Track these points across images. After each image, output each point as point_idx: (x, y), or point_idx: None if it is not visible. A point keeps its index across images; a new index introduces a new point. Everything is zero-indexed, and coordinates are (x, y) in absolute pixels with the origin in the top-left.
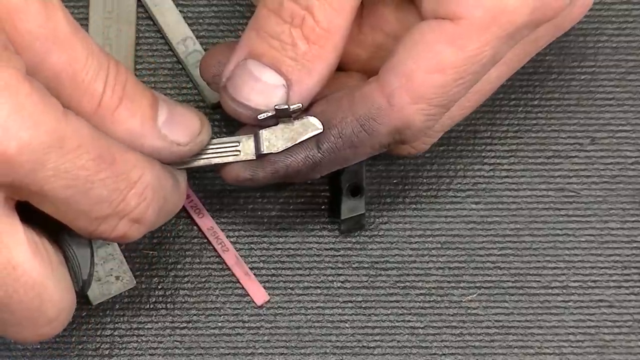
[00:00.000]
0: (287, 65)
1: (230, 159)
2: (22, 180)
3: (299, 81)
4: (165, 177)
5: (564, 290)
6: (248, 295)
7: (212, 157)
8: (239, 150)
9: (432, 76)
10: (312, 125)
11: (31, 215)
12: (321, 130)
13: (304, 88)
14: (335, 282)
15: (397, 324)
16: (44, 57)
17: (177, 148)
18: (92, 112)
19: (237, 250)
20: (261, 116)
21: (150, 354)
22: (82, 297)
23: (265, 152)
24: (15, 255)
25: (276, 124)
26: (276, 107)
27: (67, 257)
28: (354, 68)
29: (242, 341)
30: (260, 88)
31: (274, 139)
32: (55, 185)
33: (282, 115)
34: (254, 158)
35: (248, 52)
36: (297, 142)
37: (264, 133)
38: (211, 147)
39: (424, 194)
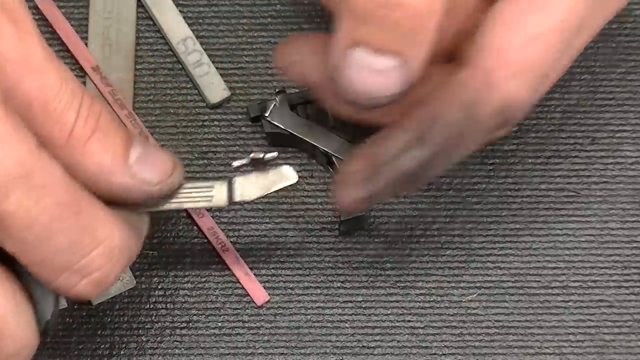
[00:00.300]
0: (394, 44)
1: (202, 204)
2: None
3: (411, 57)
4: (132, 235)
5: (564, 290)
6: (248, 295)
7: (183, 201)
8: (212, 196)
9: (528, 47)
10: (286, 175)
11: None
12: (295, 181)
13: (416, 61)
14: (335, 282)
15: (397, 324)
16: (15, 83)
17: (147, 187)
18: (62, 142)
19: (237, 250)
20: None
21: (150, 354)
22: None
23: (237, 199)
24: None
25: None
26: (251, 156)
27: (31, 296)
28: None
29: (242, 341)
30: (375, 74)
31: (248, 187)
32: (16, 222)
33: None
34: (226, 205)
35: (351, 41)
36: (270, 192)
37: (238, 180)
38: (183, 191)
39: (424, 194)
